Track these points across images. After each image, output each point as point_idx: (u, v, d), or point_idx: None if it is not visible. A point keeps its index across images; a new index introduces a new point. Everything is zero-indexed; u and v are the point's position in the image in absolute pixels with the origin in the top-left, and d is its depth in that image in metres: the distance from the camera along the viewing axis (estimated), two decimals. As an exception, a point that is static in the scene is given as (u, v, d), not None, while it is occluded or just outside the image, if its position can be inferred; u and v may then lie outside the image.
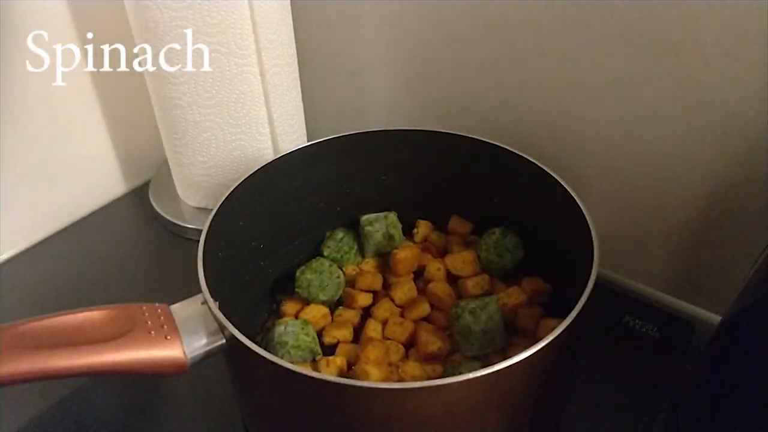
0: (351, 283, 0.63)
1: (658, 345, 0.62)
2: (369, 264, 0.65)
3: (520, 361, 0.40)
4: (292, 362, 0.52)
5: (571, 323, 0.42)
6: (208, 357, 0.44)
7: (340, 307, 0.62)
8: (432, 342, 0.55)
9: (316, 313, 0.60)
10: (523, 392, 0.44)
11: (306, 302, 0.61)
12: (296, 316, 0.60)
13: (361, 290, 0.62)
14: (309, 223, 0.65)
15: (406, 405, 0.40)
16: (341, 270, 0.63)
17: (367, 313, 0.61)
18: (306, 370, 0.40)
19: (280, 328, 0.55)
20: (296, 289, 0.60)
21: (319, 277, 0.61)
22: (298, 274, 0.60)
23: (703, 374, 0.55)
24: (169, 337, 0.42)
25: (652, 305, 0.66)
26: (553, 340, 0.41)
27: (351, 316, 0.60)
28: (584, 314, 0.44)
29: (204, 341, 0.43)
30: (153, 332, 0.41)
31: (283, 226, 0.63)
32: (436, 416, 0.41)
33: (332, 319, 0.61)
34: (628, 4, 0.54)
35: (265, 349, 0.55)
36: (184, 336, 0.42)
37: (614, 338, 0.63)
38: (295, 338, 0.55)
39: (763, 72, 0.50)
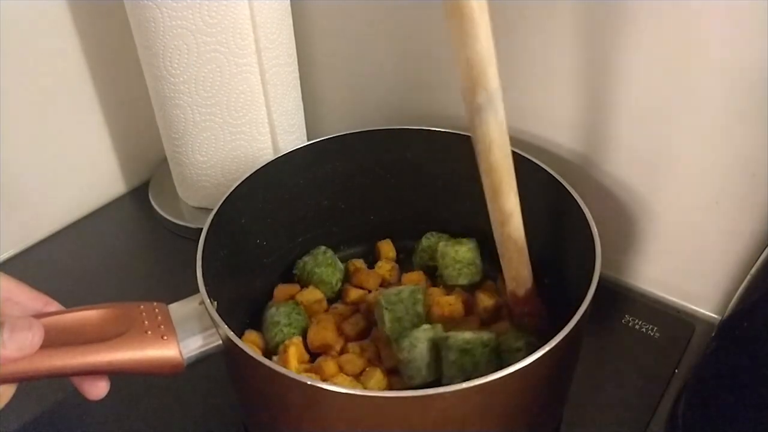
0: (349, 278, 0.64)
1: (658, 345, 0.62)
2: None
3: (516, 370, 0.40)
4: (284, 340, 0.55)
5: (571, 330, 0.42)
6: (204, 357, 0.43)
7: (338, 302, 0.62)
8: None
9: (311, 297, 0.60)
10: (520, 399, 0.44)
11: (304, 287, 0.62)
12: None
13: (357, 287, 0.63)
14: (312, 221, 0.65)
15: (399, 413, 0.40)
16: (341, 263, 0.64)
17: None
18: (299, 375, 0.40)
19: (271, 310, 0.58)
20: (294, 271, 0.62)
21: (314, 260, 0.62)
22: (297, 262, 0.63)
23: (703, 374, 0.55)
24: (165, 337, 0.42)
25: (652, 305, 0.66)
26: (553, 348, 0.41)
27: (344, 310, 0.61)
28: (584, 320, 0.43)
29: (200, 342, 0.43)
30: (150, 332, 0.41)
31: (286, 224, 0.63)
32: (432, 423, 0.41)
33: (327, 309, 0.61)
34: (631, 4, 0.53)
35: (263, 332, 0.57)
36: (181, 336, 0.42)
37: (614, 338, 0.63)
38: (287, 317, 0.57)
39: (764, 72, 0.50)
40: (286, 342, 0.55)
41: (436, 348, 0.51)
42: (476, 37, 0.39)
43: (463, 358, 0.49)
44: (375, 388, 0.52)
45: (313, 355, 0.57)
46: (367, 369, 0.54)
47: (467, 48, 0.39)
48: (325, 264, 0.62)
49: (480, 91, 0.40)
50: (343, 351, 0.57)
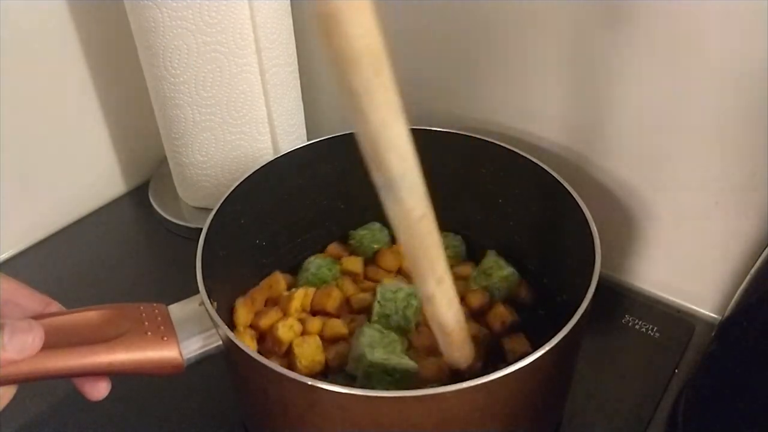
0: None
1: (658, 345, 0.62)
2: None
3: (516, 370, 0.40)
4: (307, 285, 0.60)
5: (571, 329, 0.42)
6: (204, 358, 0.44)
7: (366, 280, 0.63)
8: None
9: (352, 266, 0.62)
10: (521, 399, 0.44)
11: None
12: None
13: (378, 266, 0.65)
14: (311, 221, 0.65)
15: (399, 413, 0.40)
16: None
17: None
18: (299, 375, 0.40)
19: (310, 258, 0.63)
20: (350, 240, 0.66)
21: (372, 235, 0.65)
22: (352, 233, 0.66)
23: (703, 374, 0.55)
24: (165, 338, 0.42)
25: (652, 305, 0.66)
26: (552, 347, 0.41)
27: (366, 286, 0.62)
28: (584, 320, 0.43)
29: (200, 342, 0.43)
30: (150, 333, 0.41)
31: (285, 225, 0.63)
32: (433, 423, 0.41)
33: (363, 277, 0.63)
34: (631, 4, 0.53)
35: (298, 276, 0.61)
36: (181, 337, 0.42)
37: (614, 338, 0.63)
38: (317, 268, 0.61)
39: (764, 72, 0.50)
40: (300, 288, 0.58)
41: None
42: (366, 118, 0.32)
43: (364, 379, 0.50)
44: (334, 354, 0.54)
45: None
46: (341, 340, 0.56)
47: (357, 126, 0.33)
48: (382, 242, 0.65)
49: (377, 172, 0.35)
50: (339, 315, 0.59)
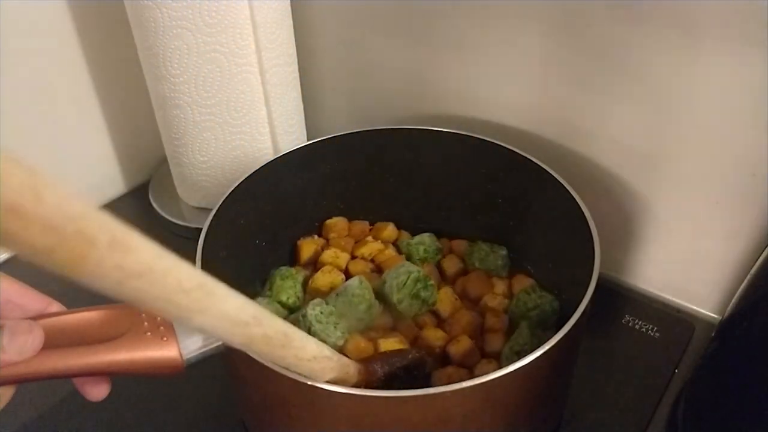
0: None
1: (658, 345, 0.62)
2: None
3: (516, 370, 0.40)
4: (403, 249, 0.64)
5: (570, 329, 0.42)
6: (204, 358, 0.43)
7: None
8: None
9: (447, 265, 0.63)
10: (520, 398, 0.45)
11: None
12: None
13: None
14: (312, 221, 0.65)
15: (399, 413, 0.40)
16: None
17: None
18: (298, 376, 0.40)
19: (427, 234, 0.65)
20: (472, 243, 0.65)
21: (487, 253, 0.63)
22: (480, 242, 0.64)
23: (703, 374, 0.55)
24: (165, 338, 0.41)
25: (652, 305, 0.66)
26: (552, 347, 0.41)
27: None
28: (584, 320, 0.43)
29: (200, 343, 0.43)
30: (150, 333, 0.41)
31: (285, 224, 0.63)
32: (433, 423, 0.41)
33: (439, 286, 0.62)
34: (631, 5, 0.53)
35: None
36: (181, 337, 0.42)
37: (614, 338, 0.63)
38: (418, 243, 0.64)
39: (765, 71, 0.50)
40: (380, 244, 0.64)
41: None
42: None
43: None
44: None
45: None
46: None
47: None
48: (491, 267, 0.62)
49: None
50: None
